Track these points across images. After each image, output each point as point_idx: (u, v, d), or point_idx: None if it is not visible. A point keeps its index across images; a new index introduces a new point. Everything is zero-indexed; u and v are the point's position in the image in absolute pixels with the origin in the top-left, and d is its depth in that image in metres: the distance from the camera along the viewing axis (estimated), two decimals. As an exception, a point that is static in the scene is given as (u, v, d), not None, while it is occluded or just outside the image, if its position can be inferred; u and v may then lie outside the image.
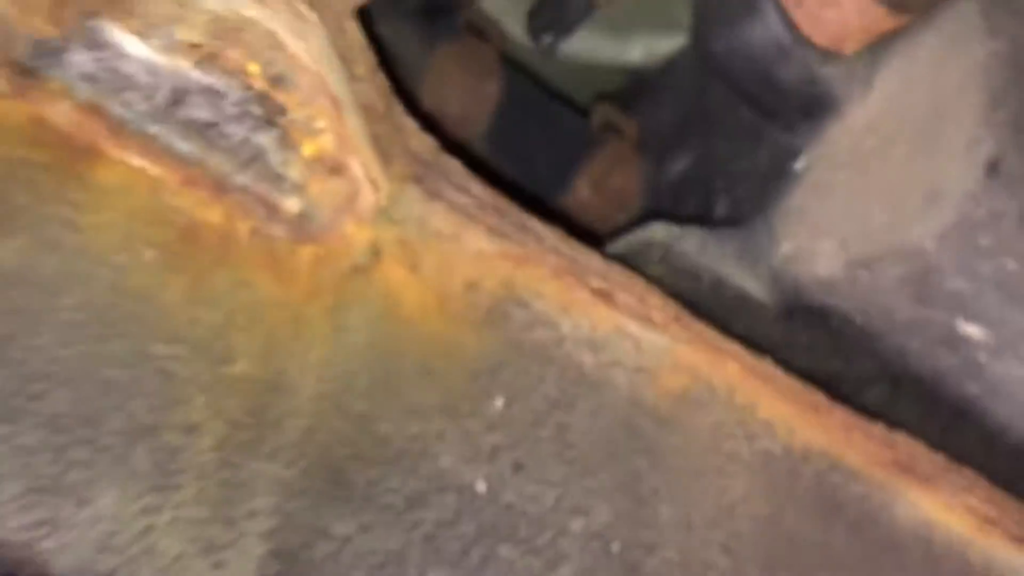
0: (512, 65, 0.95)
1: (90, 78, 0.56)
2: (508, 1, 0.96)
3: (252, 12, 0.48)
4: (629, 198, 0.92)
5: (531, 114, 0.91)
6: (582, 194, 0.92)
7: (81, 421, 0.56)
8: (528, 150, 0.91)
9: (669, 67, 1.01)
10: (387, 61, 0.85)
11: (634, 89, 1.03)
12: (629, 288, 0.66)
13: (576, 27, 0.87)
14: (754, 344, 0.80)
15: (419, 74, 0.86)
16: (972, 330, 0.68)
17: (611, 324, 0.67)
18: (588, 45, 1.02)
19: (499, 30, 0.92)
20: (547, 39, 0.86)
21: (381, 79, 0.56)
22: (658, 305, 0.66)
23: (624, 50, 1.05)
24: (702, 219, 0.85)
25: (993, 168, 0.63)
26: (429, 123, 0.88)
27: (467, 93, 0.86)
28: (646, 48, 1.05)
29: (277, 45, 0.50)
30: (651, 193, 0.91)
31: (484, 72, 0.87)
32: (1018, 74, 0.65)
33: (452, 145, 0.87)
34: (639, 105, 1.00)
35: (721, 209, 0.81)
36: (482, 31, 0.90)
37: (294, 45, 0.49)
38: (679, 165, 0.90)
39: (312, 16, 0.49)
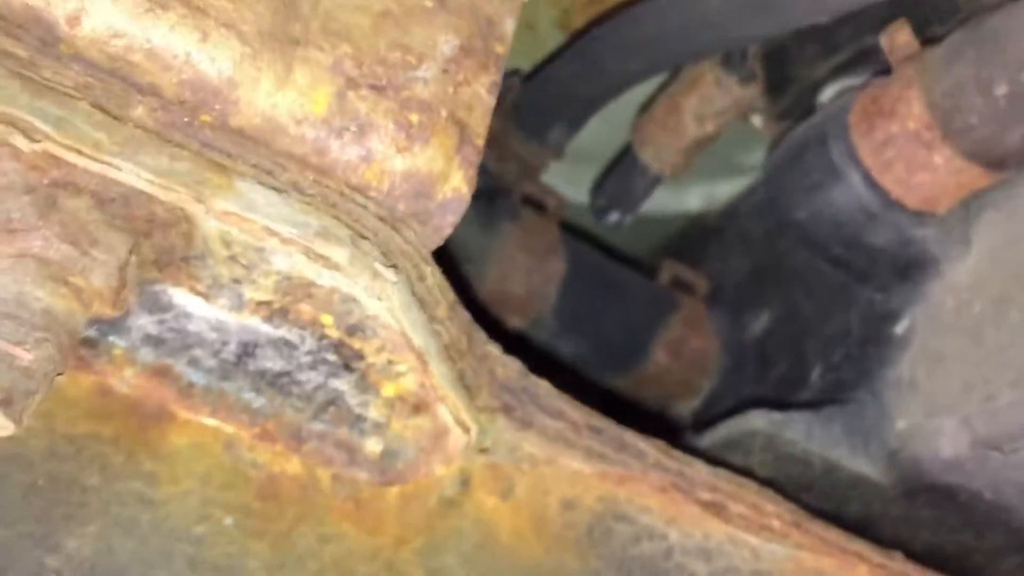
0: (572, 231, 0.91)
1: (154, 340, 0.53)
2: (568, 170, 0.93)
3: (326, 278, 0.44)
4: (709, 360, 0.87)
5: (599, 284, 0.87)
6: (661, 361, 0.87)
7: None
8: (599, 322, 0.86)
9: (731, 213, 0.97)
10: (448, 248, 0.83)
11: (697, 239, 0.99)
12: (741, 497, 0.61)
13: (643, 202, 0.83)
14: (873, 524, 0.75)
15: (482, 258, 0.82)
16: (1121, 501, 0.62)
17: (724, 534, 0.62)
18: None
19: (557, 198, 0.89)
20: (614, 217, 0.82)
21: (462, 315, 0.52)
22: (775, 512, 0.61)
23: (682, 198, 1.02)
24: (795, 385, 0.80)
25: None
26: (494, 306, 0.85)
27: (531, 273, 0.83)
28: (705, 195, 1.02)
29: (353, 303, 0.46)
30: (733, 354, 0.87)
31: (547, 249, 0.84)
32: None
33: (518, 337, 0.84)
34: (705, 256, 0.96)
35: (816, 376, 0.76)
36: (541, 203, 0.87)
37: (373, 306, 0.45)
38: (760, 323, 0.85)
39: (390, 274, 0.45)
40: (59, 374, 0.46)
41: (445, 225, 0.48)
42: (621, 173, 0.81)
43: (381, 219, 0.46)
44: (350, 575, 0.56)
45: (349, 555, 0.56)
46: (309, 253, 0.43)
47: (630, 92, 0.84)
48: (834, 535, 0.62)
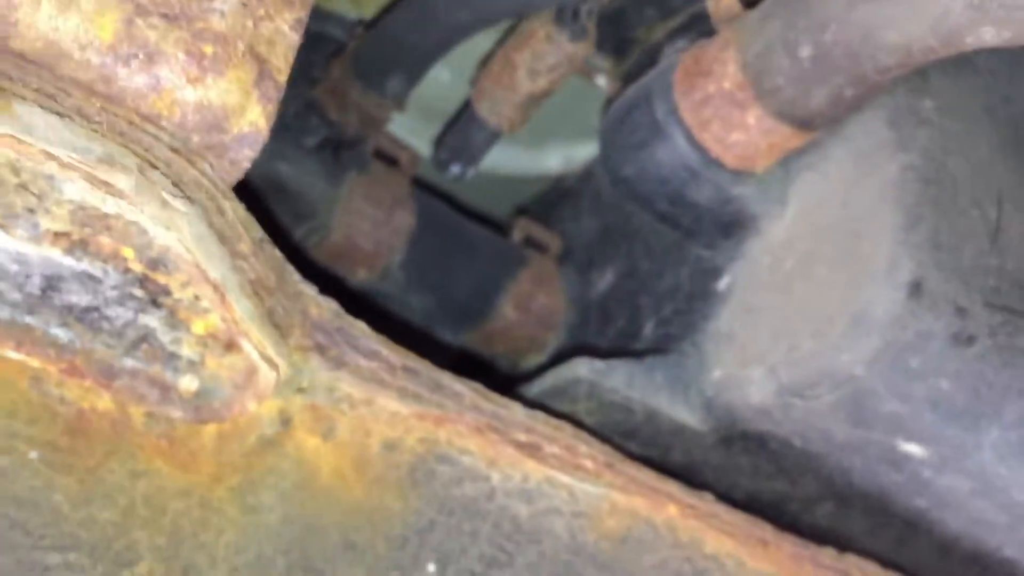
0: (425, 187, 0.92)
1: (-47, 273, 0.52)
2: (418, 122, 0.94)
3: (112, 207, 0.45)
4: (556, 316, 0.89)
5: (448, 239, 0.88)
6: (508, 316, 0.89)
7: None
8: (447, 276, 0.88)
9: (587, 175, 0.99)
10: (292, 199, 0.83)
11: (553, 199, 1.01)
12: (556, 439, 0.63)
13: (483, 156, 0.84)
14: (694, 471, 0.78)
15: (328, 209, 0.83)
16: (913, 448, 0.66)
17: (542, 475, 0.64)
18: (504, 157, 1.01)
19: (410, 153, 0.90)
20: (455, 170, 0.83)
21: (270, 251, 0.53)
22: (588, 454, 0.63)
23: (541, 160, 1.04)
24: (630, 339, 0.82)
25: (916, 289, 0.61)
26: (341, 259, 0.85)
27: (379, 226, 0.83)
28: (564, 156, 1.04)
29: (146, 235, 0.47)
30: (579, 311, 0.89)
31: (395, 202, 0.84)
32: (931, 189, 0.64)
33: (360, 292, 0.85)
34: (560, 216, 0.98)
35: (648, 329, 0.79)
36: (392, 158, 0.87)
37: (163, 236, 0.46)
38: (605, 280, 0.87)
39: (181, 204, 0.45)
40: None
41: (242, 159, 0.49)
42: (460, 127, 0.83)
43: (174, 150, 0.47)
44: (161, 511, 0.56)
45: (161, 491, 0.57)
46: (92, 179, 0.44)
47: (482, 45, 0.85)
48: (645, 476, 0.64)
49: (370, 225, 0.82)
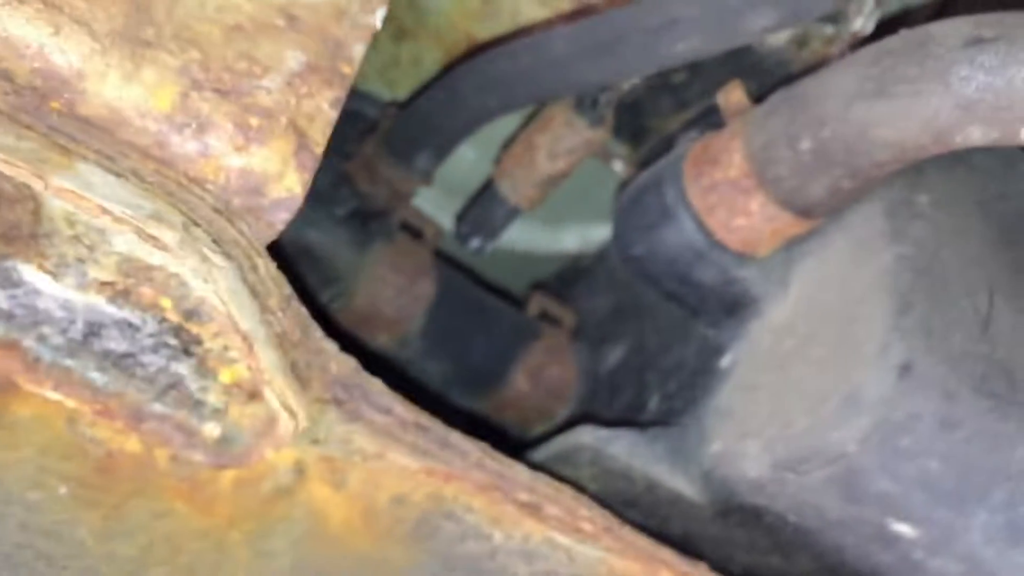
0: (446, 260, 0.97)
1: (5, 315, 0.57)
2: (443, 198, 0.99)
3: (157, 258, 0.49)
4: (566, 388, 0.93)
5: (465, 309, 0.92)
6: (520, 386, 0.92)
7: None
8: (463, 344, 0.91)
9: (602, 255, 1.03)
10: (320, 265, 0.88)
11: (569, 276, 1.05)
12: (557, 500, 0.65)
13: (503, 231, 0.89)
14: (692, 542, 0.80)
15: (353, 275, 0.87)
16: (904, 528, 0.68)
17: (542, 536, 0.67)
18: (523, 236, 1.05)
19: (434, 226, 0.94)
20: (475, 243, 0.88)
21: (296, 308, 0.57)
22: (587, 516, 0.66)
23: (559, 239, 1.08)
24: (636, 412, 0.85)
25: (906, 371, 0.64)
26: (363, 323, 0.89)
27: (400, 293, 0.88)
28: (581, 236, 1.08)
29: (185, 286, 0.51)
30: (588, 383, 0.92)
31: (417, 272, 0.89)
32: (924, 278, 0.67)
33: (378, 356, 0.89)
34: (575, 293, 1.02)
35: (654, 403, 0.82)
36: (417, 230, 0.92)
37: (201, 288, 0.50)
38: (615, 355, 0.91)
39: (219, 259, 0.50)
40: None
41: (278, 221, 0.53)
42: (482, 203, 0.87)
43: (216, 211, 0.51)
44: (179, 550, 0.59)
45: (180, 532, 0.60)
46: (140, 233, 0.48)
47: (506, 127, 0.91)
48: (642, 541, 0.67)
49: (392, 292, 0.87)
